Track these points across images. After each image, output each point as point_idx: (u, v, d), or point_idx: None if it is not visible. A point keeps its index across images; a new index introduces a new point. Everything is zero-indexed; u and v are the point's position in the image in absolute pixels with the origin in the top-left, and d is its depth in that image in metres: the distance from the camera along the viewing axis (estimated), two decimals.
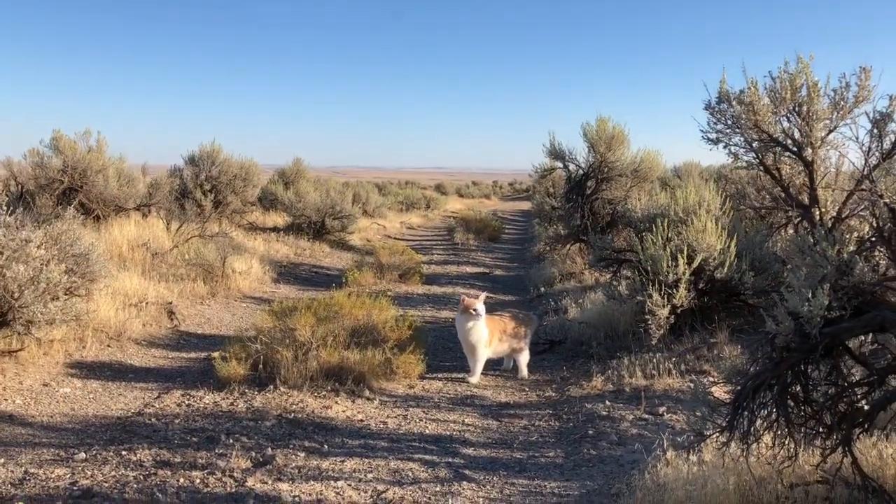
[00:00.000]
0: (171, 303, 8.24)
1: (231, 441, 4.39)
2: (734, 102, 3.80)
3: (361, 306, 6.05)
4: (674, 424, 4.68)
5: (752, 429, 2.88)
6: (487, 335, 5.85)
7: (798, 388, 2.91)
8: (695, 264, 5.95)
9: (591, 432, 4.66)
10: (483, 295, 5.91)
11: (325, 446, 4.40)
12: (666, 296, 5.92)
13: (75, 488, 3.72)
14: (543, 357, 6.68)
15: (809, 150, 3.83)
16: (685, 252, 5.91)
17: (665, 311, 5.88)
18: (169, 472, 3.91)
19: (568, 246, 11.72)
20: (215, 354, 6.09)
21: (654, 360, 5.64)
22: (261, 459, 4.12)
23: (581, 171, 11.18)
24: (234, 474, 3.90)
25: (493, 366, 6.23)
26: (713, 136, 4.01)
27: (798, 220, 4.13)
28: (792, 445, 2.89)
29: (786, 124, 3.87)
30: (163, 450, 4.26)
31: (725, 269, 5.97)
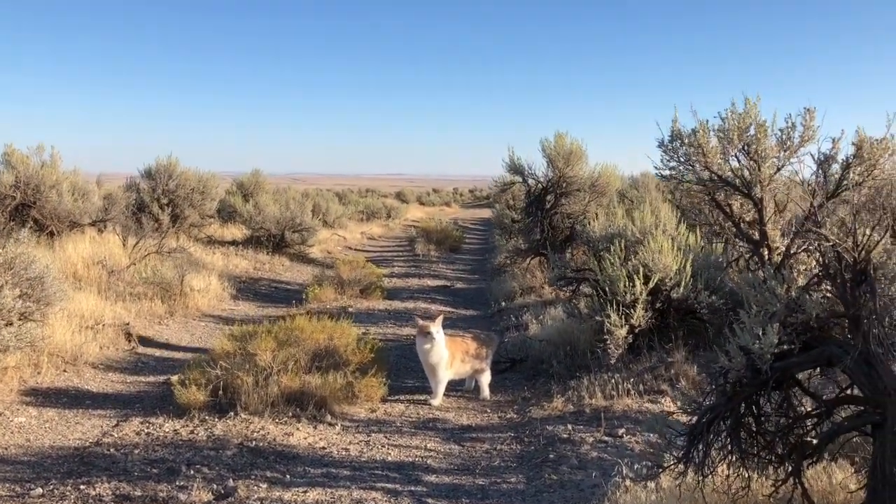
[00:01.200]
0: (128, 324, 8.14)
1: (192, 472, 4.36)
2: (685, 142, 3.91)
3: (322, 329, 6.04)
4: (633, 447, 4.76)
5: (707, 460, 2.96)
6: (448, 357, 5.89)
7: (751, 419, 3.00)
8: (651, 284, 6.06)
9: (552, 456, 4.72)
10: (440, 317, 5.94)
11: (288, 476, 4.39)
12: (624, 315, 6.02)
13: None
14: (505, 376, 6.74)
15: (758, 189, 3.95)
16: (642, 272, 6.02)
17: (623, 331, 5.98)
18: None
19: (528, 260, 11.84)
20: (174, 379, 6.03)
21: (614, 381, 5.73)
22: (222, 492, 4.10)
23: (540, 186, 11.32)
24: None
25: (455, 386, 6.27)
26: (666, 172, 4.12)
27: (749, 255, 4.25)
28: (745, 475, 2.98)
29: (735, 164, 3.99)
30: (122, 482, 4.21)
31: (682, 288, 6.09)
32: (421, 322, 5.88)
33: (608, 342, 6.01)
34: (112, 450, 4.77)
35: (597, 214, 7.05)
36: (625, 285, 6.01)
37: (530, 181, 11.51)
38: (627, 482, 3.72)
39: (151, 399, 6.02)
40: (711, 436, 2.94)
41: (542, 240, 11.15)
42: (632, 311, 6.04)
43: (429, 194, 57.96)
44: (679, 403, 3.21)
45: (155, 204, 14.47)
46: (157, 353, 7.70)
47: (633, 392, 5.62)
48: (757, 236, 4.05)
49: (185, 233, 14.98)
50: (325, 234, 19.21)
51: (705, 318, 6.54)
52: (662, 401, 5.52)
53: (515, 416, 5.73)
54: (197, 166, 15.69)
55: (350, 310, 9.89)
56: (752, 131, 3.90)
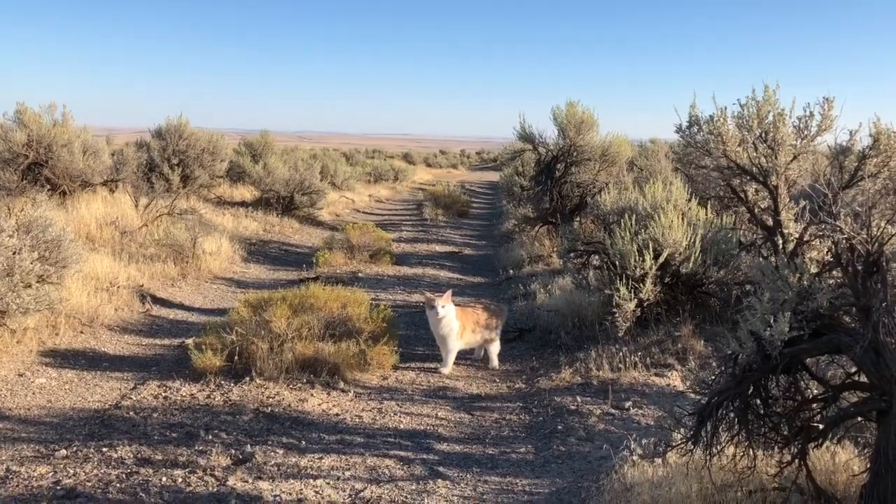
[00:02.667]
0: (142, 286, 8.26)
1: (210, 437, 4.49)
2: (704, 128, 3.93)
3: (336, 298, 6.14)
4: (639, 420, 4.87)
5: (715, 440, 3.05)
6: (459, 327, 5.99)
7: (758, 401, 3.09)
8: (661, 259, 6.13)
9: (560, 427, 4.84)
10: (449, 292, 6.01)
11: (303, 442, 4.52)
12: (633, 289, 6.10)
13: (59, 488, 3.79)
14: (513, 345, 6.85)
15: (773, 177, 3.99)
16: (652, 247, 6.08)
17: (632, 305, 6.06)
18: (151, 471, 4.00)
19: (537, 228, 11.89)
20: (189, 342, 6.16)
21: (621, 354, 5.83)
22: (240, 457, 4.22)
23: (551, 154, 11.33)
24: (216, 473, 4.01)
25: (464, 355, 6.38)
26: (683, 158, 4.15)
27: (763, 241, 4.30)
28: (752, 455, 3.08)
29: (752, 153, 4.02)
30: (143, 446, 4.34)
31: (691, 264, 6.16)
32: (428, 294, 5.97)
33: (616, 315, 6.10)
34: (131, 413, 4.90)
35: (608, 186, 7.07)
36: (635, 260, 6.08)
37: (541, 149, 11.52)
38: (635, 457, 3.83)
39: (167, 362, 6.15)
40: (720, 417, 3.03)
41: (552, 209, 11.20)
42: (641, 285, 6.12)
43: (436, 156, 57.82)
44: (688, 382, 3.29)
45: (165, 164, 14.52)
46: (171, 315, 7.82)
47: (640, 365, 5.72)
48: (771, 223, 4.10)
49: (195, 193, 15.05)
50: (333, 197, 19.25)
51: (713, 292, 6.63)
52: (669, 375, 5.62)
53: (524, 386, 5.84)
54: (206, 125, 15.74)
55: (360, 275, 9.99)
56: (770, 119, 3.93)
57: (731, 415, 3.04)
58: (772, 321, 2.77)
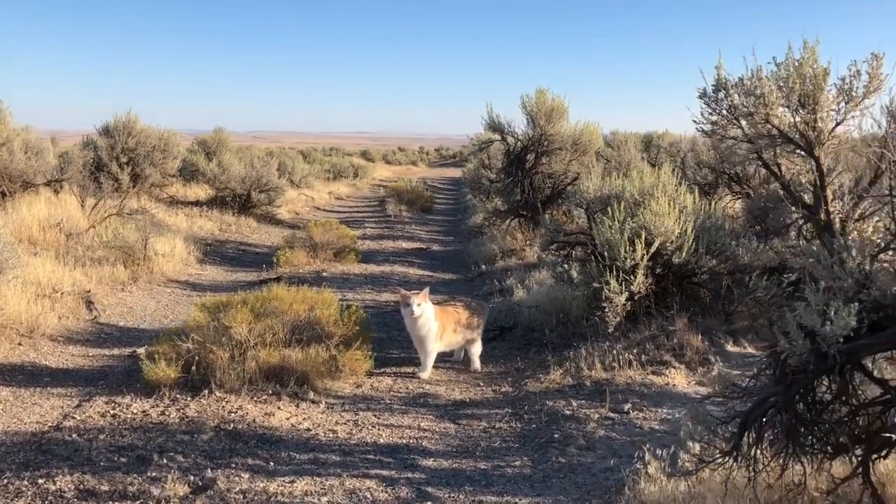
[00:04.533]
0: (88, 291, 7.61)
1: (165, 461, 3.94)
2: (736, 92, 3.49)
3: (303, 300, 5.60)
4: (641, 424, 4.45)
5: (758, 453, 2.62)
6: (437, 328, 5.51)
7: (804, 407, 2.66)
8: (653, 249, 5.72)
9: (556, 436, 4.38)
10: (426, 289, 5.53)
11: (271, 464, 3.99)
12: (623, 282, 5.68)
13: None
14: (494, 345, 6.37)
15: (817, 147, 3.56)
16: (643, 237, 5.67)
17: (622, 298, 5.65)
18: None
19: (508, 221, 11.45)
20: (141, 351, 5.59)
21: (614, 351, 5.41)
22: (200, 484, 3.69)
23: (520, 144, 10.90)
24: None
25: (443, 358, 5.90)
26: (707, 127, 3.71)
27: (803, 222, 3.89)
28: (802, 470, 2.65)
29: (792, 118, 3.59)
30: (87, 475, 3.78)
31: (684, 253, 5.76)
32: (403, 291, 5.48)
33: (606, 310, 5.68)
34: (74, 435, 4.32)
35: (589, 173, 6.61)
36: (625, 250, 5.66)
37: (510, 139, 11.08)
38: (651, 469, 3.39)
39: (117, 374, 5.56)
40: (764, 426, 2.60)
41: (523, 201, 10.78)
42: (631, 277, 5.70)
43: (395, 153, 57.14)
44: (716, 387, 2.86)
45: (114, 163, 13.78)
46: (122, 322, 7.20)
47: (635, 363, 5.29)
48: (809, 200, 3.69)
49: (146, 193, 14.32)
50: (292, 195, 18.61)
51: (704, 283, 6.25)
52: (667, 373, 5.21)
53: (511, 389, 5.38)
54: (157, 124, 15.00)
55: (325, 274, 9.44)
56: (810, 80, 3.50)
57: (778, 423, 2.61)
58: (832, 314, 2.33)
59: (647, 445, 3.64)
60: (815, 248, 2.49)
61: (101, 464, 3.92)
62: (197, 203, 14.84)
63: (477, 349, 5.84)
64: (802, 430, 2.62)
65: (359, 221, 16.18)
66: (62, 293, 7.20)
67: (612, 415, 4.62)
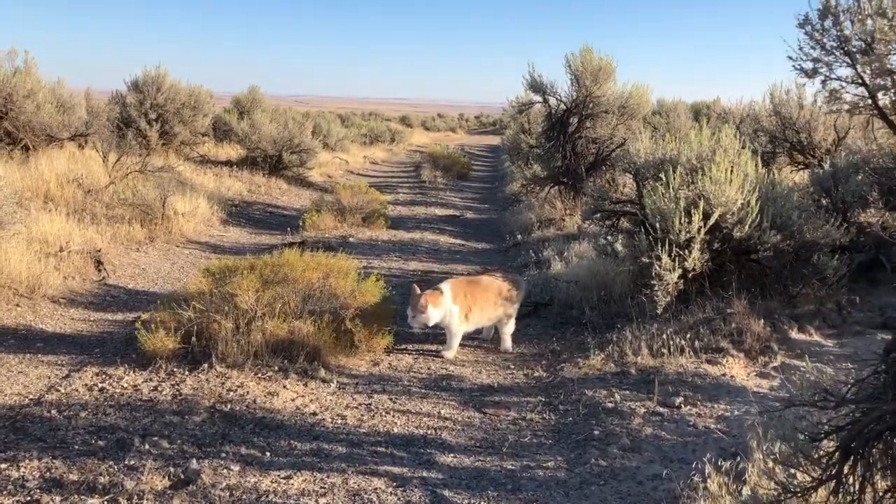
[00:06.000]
0: (99, 250, 7.17)
1: (146, 447, 3.45)
2: (849, 19, 2.82)
3: (317, 266, 5.06)
4: (696, 423, 3.85)
5: (867, 486, 2.02)
6: (459, 312, 4.94)
7: None
8: (711, 221, 5.07)
9: (596, 432, 3.80)
10: (448, 287, 4.94)
11: (268, 454, 3.48)
12: (676, 257, 5.05)
13: None
14: (527, 322, 5.80)
15: None
16: (701, 207, 5.02)
17: (675, 276, 5.02)
18: (57, 499, 2.97)
19: (547, 189, 10.79)
20: (146, 317, 5.13)
21: (663, 335, 4.79)
22: (181, 476, 3.19)
23: (563, 107, 10.20)
24: (144, 501, 2.98)
25: (471, 335, 5.34)
26: (808, 65, 3.06)
27: None
28: None
29: None
30: (57, 460, 3.31)
31: (746, 226, 5.10)
32: (416, 290, 4.87)
33: (656, 288, 5.06)
34: (54, 411, 3.85)
35: (641, 139, 5.92)
36: (680, 221, 5.02)
37: (552, 101, 10.37)
38: (712, 485, 2.80)
39: (115, 342, 5.11)
40: (878, 448, 2.00)
41: (564, 167, 10.11)
42: (686, 252, 5.06)
43: (434, 119, 56.42)
44: (808, 393, 2.26)
45: (142, 119, 13.37)
46: (131, 284, 6.77)
47: (687, 350, 4.68)
48: None
49: (175, 151, 13.92)
50: (325, 157, 18.10)
51: (765, 260, 5.58)
52: (724, 362, 4.59)
53: (544, 374, 4.80)
54: (188, 80, 14.55)
55: (351, 240, 8.92)
56: None
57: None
58: None
59: (706, 453, 3.05)
60: None
61: (76, 447, 3.45)
62: (228, 163, 14.41)
63: (509, 328, 5.28)
64: None
65: (392, 186, 15.64)
66: (69, 251, 6.77)
67: (660, 409, 4.03)
